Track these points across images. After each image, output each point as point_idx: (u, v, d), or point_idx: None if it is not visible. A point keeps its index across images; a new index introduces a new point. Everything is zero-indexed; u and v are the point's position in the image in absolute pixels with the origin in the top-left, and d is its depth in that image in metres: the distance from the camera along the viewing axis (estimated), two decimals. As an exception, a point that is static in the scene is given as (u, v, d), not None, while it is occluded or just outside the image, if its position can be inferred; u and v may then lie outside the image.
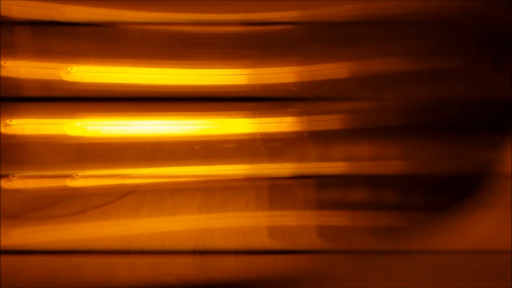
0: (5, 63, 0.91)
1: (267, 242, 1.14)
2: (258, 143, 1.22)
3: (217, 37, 1.10)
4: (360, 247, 1.07)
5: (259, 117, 1.13)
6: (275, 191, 1.22)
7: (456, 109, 0.97)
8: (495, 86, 0.92)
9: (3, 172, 1.05)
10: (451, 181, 1.02)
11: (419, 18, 0.99)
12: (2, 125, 1.00)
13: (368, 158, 1.10)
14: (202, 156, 1.27)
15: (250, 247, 1.11)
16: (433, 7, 0.96)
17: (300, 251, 1.08)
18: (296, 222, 1.20)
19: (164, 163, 1.17)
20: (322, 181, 1.16)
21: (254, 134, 1.16)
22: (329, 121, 1.10)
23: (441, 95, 1.01)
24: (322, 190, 1.17)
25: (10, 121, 1.00)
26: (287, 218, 1.22)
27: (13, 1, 0.95)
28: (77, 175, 1.11)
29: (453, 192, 1.03)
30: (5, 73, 0.92)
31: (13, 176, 1.07)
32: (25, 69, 0.96)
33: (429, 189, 1.06)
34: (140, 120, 1.13)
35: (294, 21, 1.07)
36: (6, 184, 1.06)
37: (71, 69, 0.99)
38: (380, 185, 1.09)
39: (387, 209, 1.09)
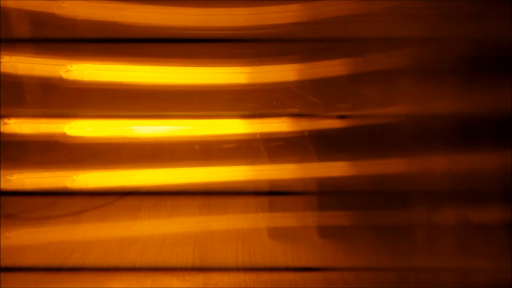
0: (2, 58, 0.91)
1: (267, 243, 1.13)
2: (258, 143, 1.21)
3: (217, 35, 1.10)
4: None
5: (259, 116, 1.12)
6: (275, 192, 1.21)
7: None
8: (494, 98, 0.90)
9: (2, 171, 1.05)
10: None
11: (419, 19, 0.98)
12: (1, 124, 1.00)
13: (369, 158, 1.09)
14: (202, 156, 1.27)
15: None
16: (433, 7, 0.96)
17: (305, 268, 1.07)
18: (297, 223, 1.19)
19: (164, 164, 1.17)
20: (323, 180, 1.15)
21: (254, 134, 1.16)
22: (330, 120, 1.10)
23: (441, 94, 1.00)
24: (323, 190, 1.16)
25: (9, 120, 1.00)
26: (287, 219, 1.21)
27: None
28: (76, 175, 1.11)
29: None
30: (3, 68, 0.92)
31: (12, 175, 1.06)
32: (24, 65, 0.95)
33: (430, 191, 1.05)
34: (140, 121, 1.12)
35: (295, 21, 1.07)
36: (5, 183, 1.06)
37: (71, 67, 0.99)
38: (381, 184, 1.08)
39: (389, 209, 1.07)
